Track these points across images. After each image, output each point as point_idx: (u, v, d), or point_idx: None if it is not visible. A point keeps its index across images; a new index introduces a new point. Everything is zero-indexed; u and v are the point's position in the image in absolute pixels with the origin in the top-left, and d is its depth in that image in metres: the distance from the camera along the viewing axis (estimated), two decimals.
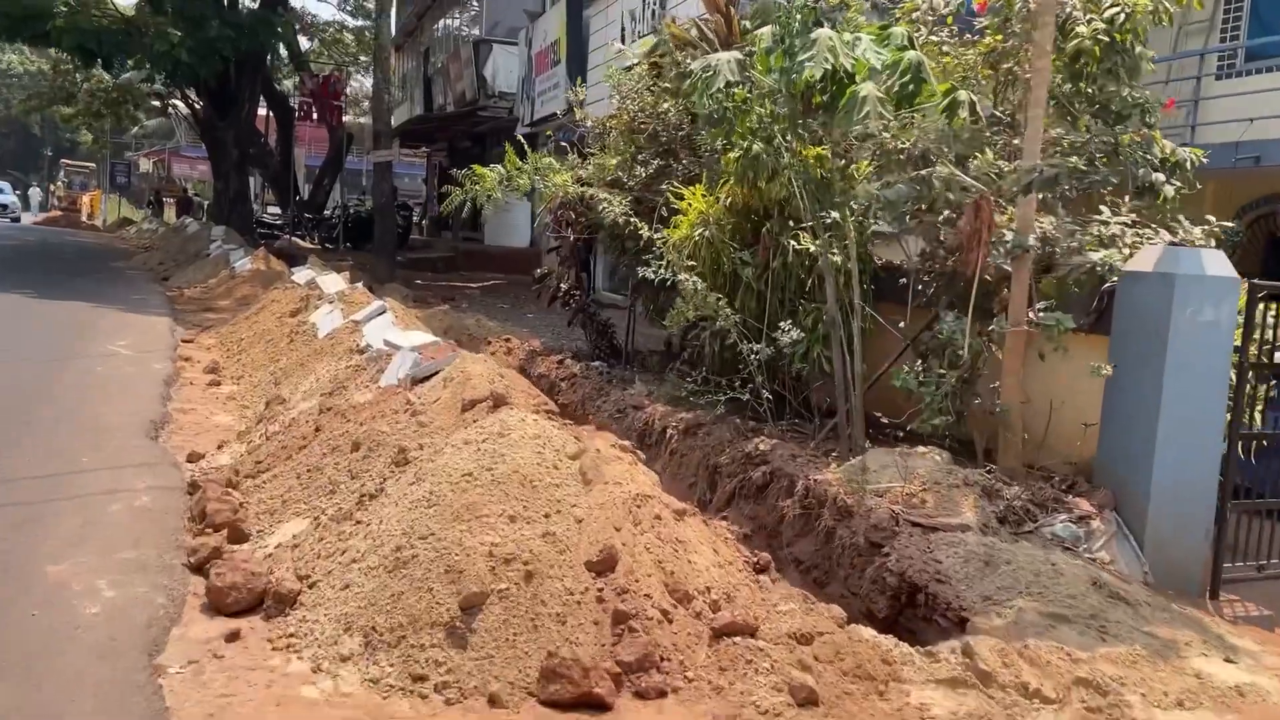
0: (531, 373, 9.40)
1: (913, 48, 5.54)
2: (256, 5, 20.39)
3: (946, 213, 5.06)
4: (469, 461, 3.70)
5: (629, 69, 9.77)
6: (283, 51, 22.13)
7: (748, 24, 7.75)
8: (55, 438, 5.50)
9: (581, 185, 9.31)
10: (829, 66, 5.31)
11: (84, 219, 42.41)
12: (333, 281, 9.75)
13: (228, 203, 21.67)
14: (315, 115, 23.86)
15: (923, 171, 4.99)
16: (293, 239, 25.00)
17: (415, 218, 29.17)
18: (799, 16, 5.54)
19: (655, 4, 10.83)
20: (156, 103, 34.09)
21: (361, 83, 41.24)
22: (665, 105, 8.29)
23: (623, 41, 11.95)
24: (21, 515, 4.20)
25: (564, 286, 9.86)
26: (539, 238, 24.61)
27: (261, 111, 27.82)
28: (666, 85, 8.34)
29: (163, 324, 10.71)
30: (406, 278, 19.94)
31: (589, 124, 9.97)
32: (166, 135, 59.37)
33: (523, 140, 16.90)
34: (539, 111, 15.39)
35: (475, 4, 26.94)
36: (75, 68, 27.53)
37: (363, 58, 37.29)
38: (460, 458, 3.75)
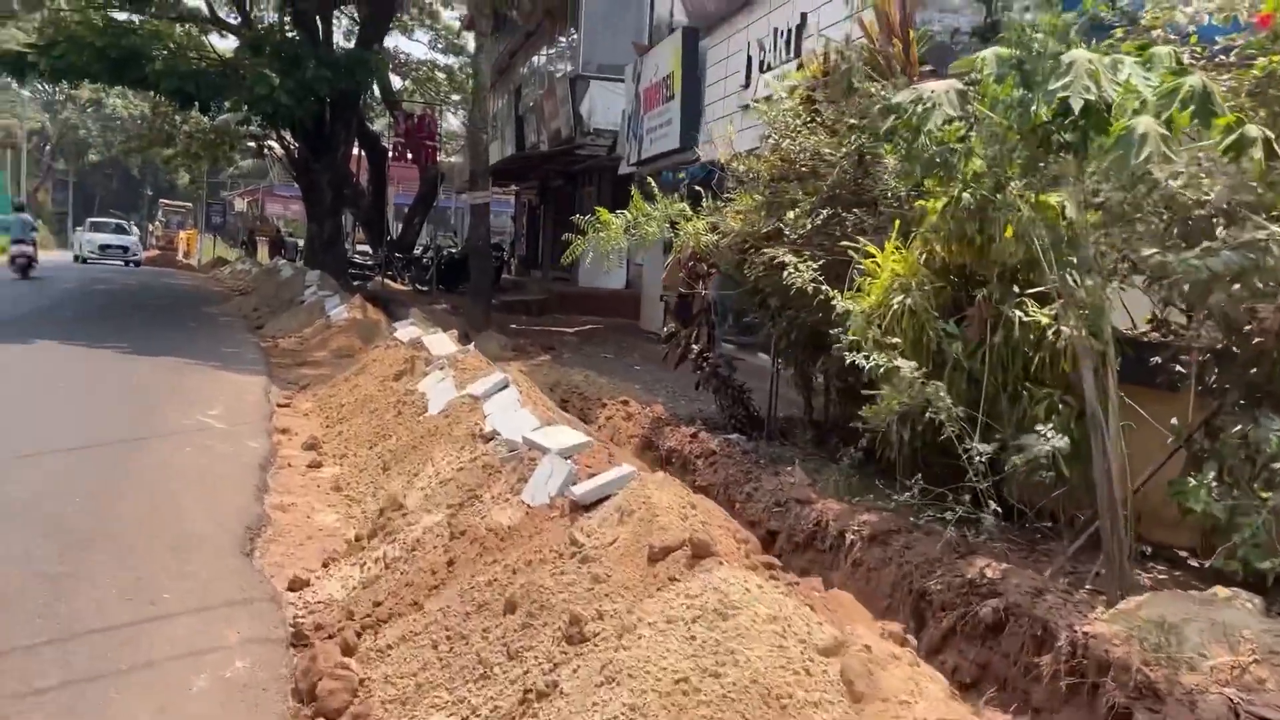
0: (659, 445, 8.33)
1: (1186, 72, 4.38)
2: (352, 45, 19.97)
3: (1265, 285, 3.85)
4: (681, 657, 2.62)
5: (767, 99, 8.77)
6: (375, 91, 21.71)
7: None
8: (131, 558, 4.58)
9: (718, 234, 8.29)
10: (1090, 97, 4.18)
11: (180, 257, 43.01)
12: (441, 342, 8.85)
13: (322, 245, 21.24)
14: (409, 155, 23.38)
15: (1258, 235, 3.80)
16: (384, 281, 24.53)
17: (504, 256, 28.62)
18: (1041, 36, 4.42)
19: (788, 33, 9.79)
20: (252, 144, 34.39)
21: (450, 121, 41.22)
22: (824, 144, 7.21)
23: (748, 77, 10.94)
24: (76, 700, 3.23)
25: (695, 346, 8.80)
26: (635, 280, 23.76)
27: (353, 151, 27.68)
28: (826, 121, 7.27)
29: (257, 385, 9.94)
30: (500, 321, 19.19)
31: (725, 164, 8.93)
32: (260, 175, 60.55)
33: (642, 183, 16.01)
34: (647, 150, 14.46)
35: (570, 40, 26.42)
36: (173, 110, 27.74)
37: (454, 96, 37.21)
38: (666, 648, 2.67)
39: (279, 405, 9.11)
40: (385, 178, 30.43)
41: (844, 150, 6.79)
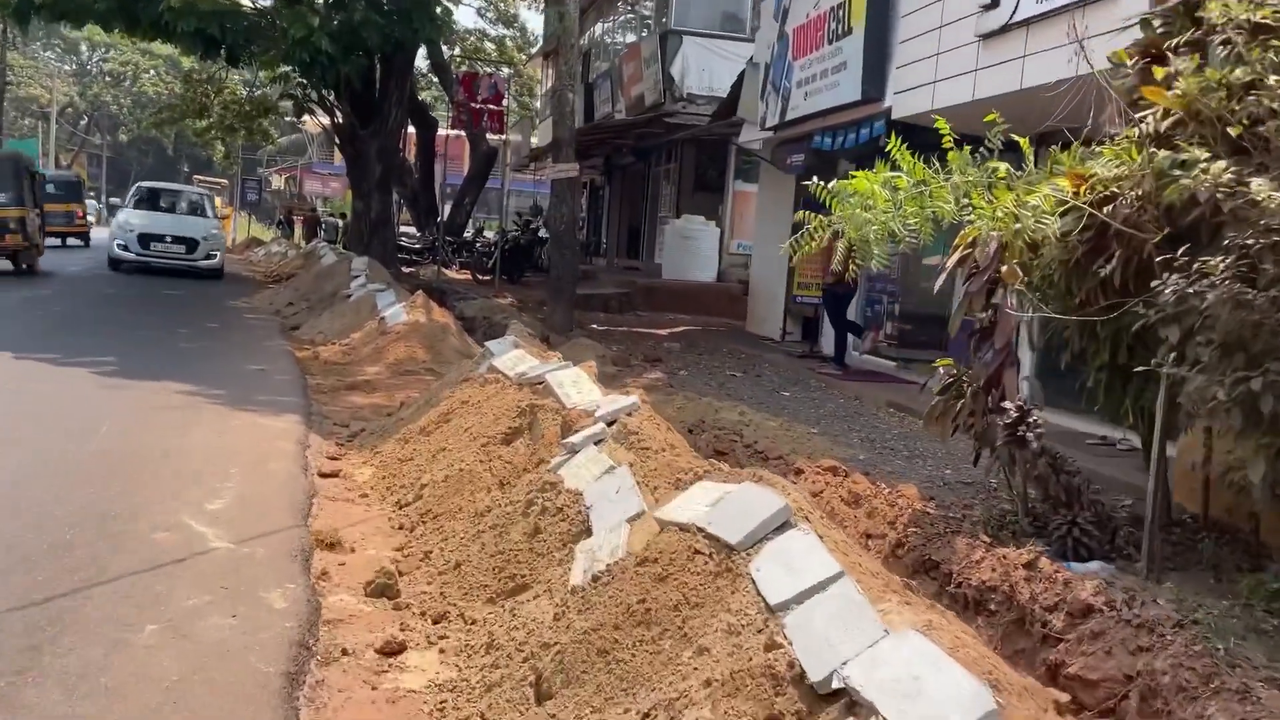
0: (943, 565, 5.01)
1: None
2: None
3: None
4: None
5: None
6: (433, 46, 18.38)
7: None
8: None
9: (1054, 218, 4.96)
10: None
11: None
12: (580, 385, 5.57)
13: (369, 226, 18.04)
14: (475, 124, 20.09)
15: None
16: (440, 268, 21.34)
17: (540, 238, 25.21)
18: None
19: None
20: (289, 117, 31.30)
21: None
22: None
23: None
24: None
25: (992, 402, 5.45)
26: (728, 272, 20.39)
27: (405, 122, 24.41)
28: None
29: (289, 438, 6.69)
30: (581, 320, 15.93)
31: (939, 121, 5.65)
32: (299, 151, 57.69)
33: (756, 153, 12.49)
34: (799, 108, 11.07)
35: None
36: (207, 79, 24.64)
37: (504, 70, 33.86)
38: None
39: (321, 474, 5.88)
40: (433, 152, 27.26)
41: None
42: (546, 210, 16.95)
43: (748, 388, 10.88)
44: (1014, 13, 7.29)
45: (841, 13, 9.91)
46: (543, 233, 24.74)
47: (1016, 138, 5.46)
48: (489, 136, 23.45)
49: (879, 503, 5.91)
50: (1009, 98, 7.56)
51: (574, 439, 4.76)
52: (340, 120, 17.68)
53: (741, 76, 14.03)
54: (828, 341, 13.44)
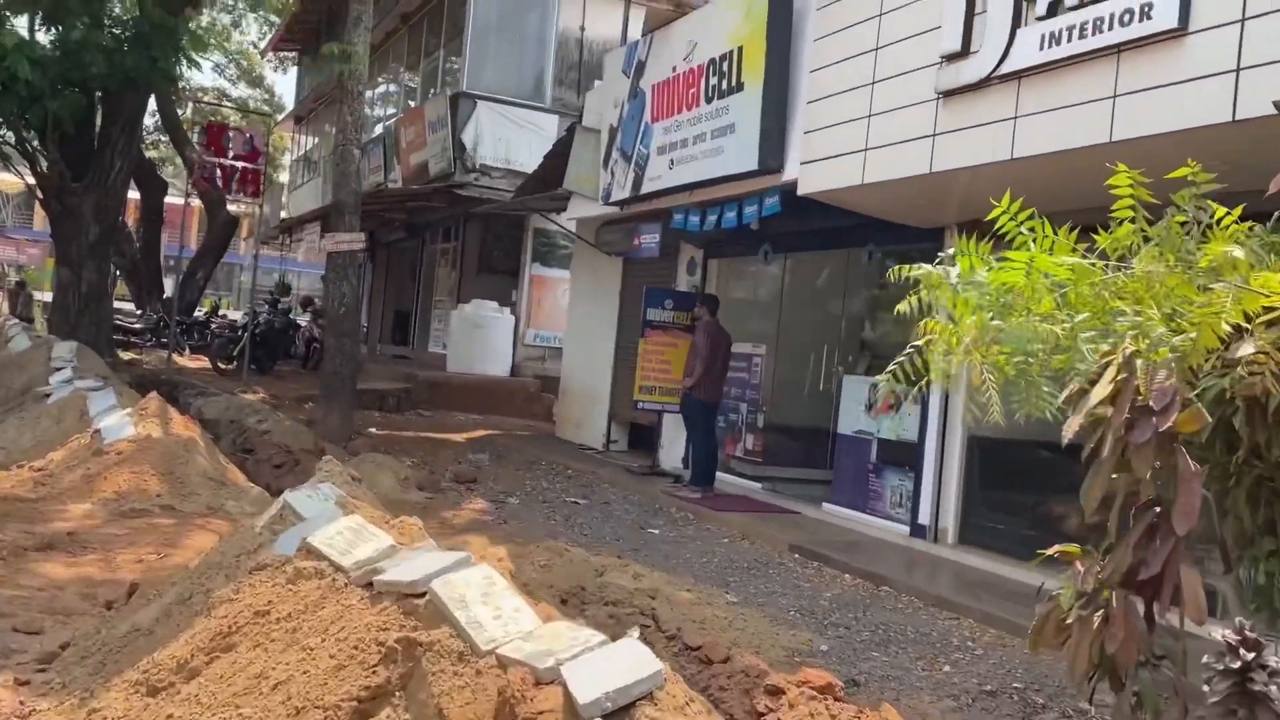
0: None
1: None
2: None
3: None
4: None
5: None
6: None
7: None
8: None
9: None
10: None
11: None
12: (499, 600, 3.13)
13: (79, 301, 14.31)
14: (224, 185, 16.82)
15: None
16: (171, 355, 17.63)
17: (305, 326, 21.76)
18: None
19: None
20: None
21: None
22: None
23: (966, 36, 5.97)
24: None
25: (1157, 611, 3.51)
26: (524, 365, 18.09)
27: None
28: None
29: None
30: (360, 428, 13.11)
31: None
32: None
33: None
34: (663, 179, 9.16)
35: (402, 78, 20.55)
36: None
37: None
38: None
39: None
40: (161, 218, 23.44)
41: None
42: (325, 288, 14.02)
43: (601, 521, 8.60)
44: (1000, 63, 5.72)
45: (728, 65, 8.15)
46: (296, 315, 21.43)
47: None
48: (242, 202, 20.10)
49: None
50: (994, 170, 5.95)
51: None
52: (46, 170, 14.01)
53: (567, 141, 12.05)
54: (668, 454, 11.43)
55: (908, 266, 3.81)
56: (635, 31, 10.93)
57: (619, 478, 10.77)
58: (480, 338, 17.33)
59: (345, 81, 11.59)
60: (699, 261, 10.92)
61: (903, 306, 3.81)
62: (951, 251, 3.76)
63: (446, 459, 11.72)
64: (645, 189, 9.45)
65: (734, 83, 8.05)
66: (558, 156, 12.96)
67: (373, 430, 13.55)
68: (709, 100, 8.38)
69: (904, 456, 8.29)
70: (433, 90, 19.20)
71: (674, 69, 8.91)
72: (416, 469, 10.68)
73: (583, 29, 17.86)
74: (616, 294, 12.79)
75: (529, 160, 16.86)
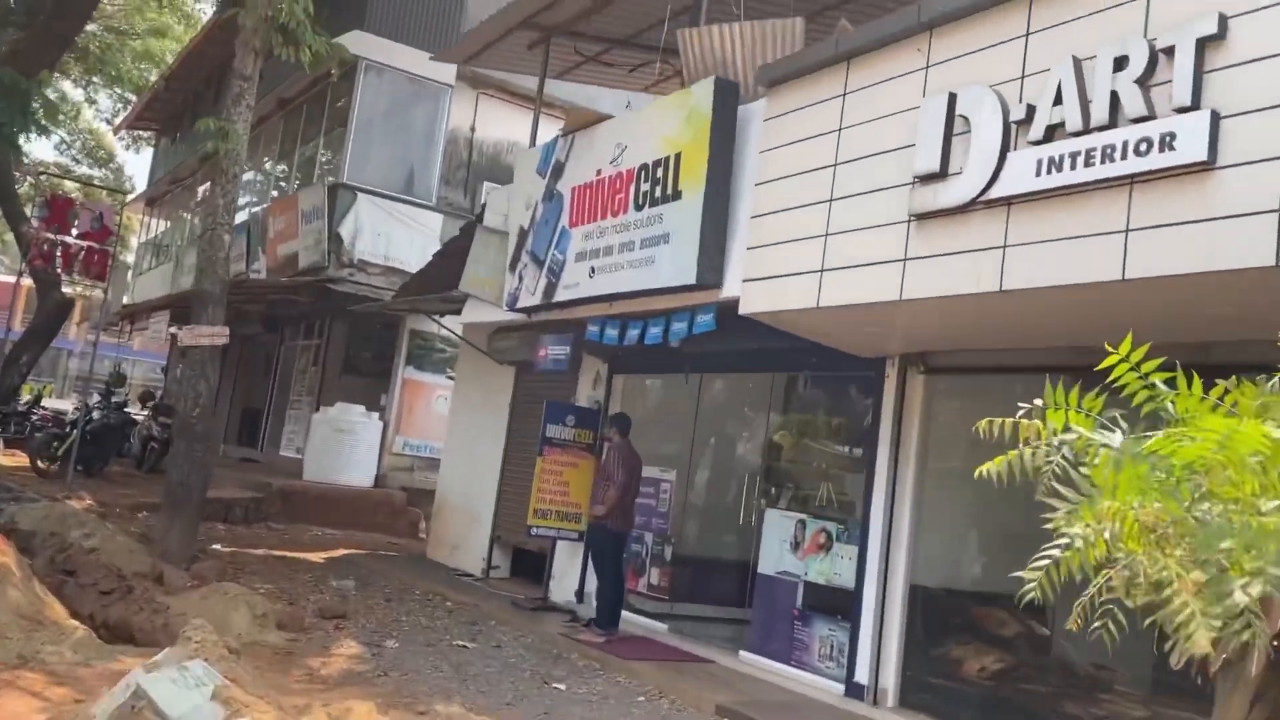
0: None
1: None
2: None
3: None
4: None
5: None
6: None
7: None
8: None
9: None
10: None
11: None
12: None
13: None
14: (65, 264, 15.11)
15: None
16: None
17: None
18: None
19: (1153, 60, 4.62)
20: None
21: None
22: None
23: (945, 153, 5.56)
24: None
25: None
26: (389, 476, 16.67)
27: None
28: None
29: None
30: (203, 544, 11.53)
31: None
32: None
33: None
34: (580, 288, 8.39)
35: (271, 169, 19.39)
36: None
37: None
38: None
39: None
40: None
41: None
42: (173, 384, 12.41)
43: (498, 673, 7.48)
44: (987, 187, 5.28)
45: (663, 172, 7.55)
46: (132, 409, 19.41)
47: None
48: (84, 284, 18.27)
49: None
50: (973, 301, 5.46)
51: None
52: None
53: (462, 241, 11.23)
54: (560, 586, 10.40)
55: (1003, 420, 3.15)
56: (547, 132, 10.32)
57: (508, 613, 9.65)
58: (344, 444, 15.93)
59: (221, 161, 10.49)
60: (603, 376, 10.15)
61: (992, 469, 3.13)
62: (1040, 403, 3.13)
63: (306, 586, 10.35)
64: (559, 297, 8.67)
65: (669, 190, 7.45)
66: (449, 256, 12.10)
67: (218, 547, 11.98)
68: (639, 207, 7.74)
69: (837, 604, 7.57)
70: (299, 179, 18.11)
71: (598, 172, 8.27)
72: (273, 599, 9.29)
73: (473, 129, 17.25)
74: (506, 405, 11.85)
75: (411, 258, 15.93)
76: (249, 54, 10.68)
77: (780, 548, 8.09)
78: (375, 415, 16.42)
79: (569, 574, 10.25)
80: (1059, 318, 5.64)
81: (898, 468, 7.22)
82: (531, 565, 11.45)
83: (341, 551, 13.06)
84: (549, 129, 16.04)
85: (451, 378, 16.66)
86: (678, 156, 7.41)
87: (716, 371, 8.96)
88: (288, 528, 14.51)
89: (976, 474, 3.08)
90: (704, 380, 9.28)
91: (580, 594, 9.99)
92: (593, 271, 8.18)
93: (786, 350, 7.64)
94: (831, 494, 8.12)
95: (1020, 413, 3.02)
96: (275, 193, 19.64)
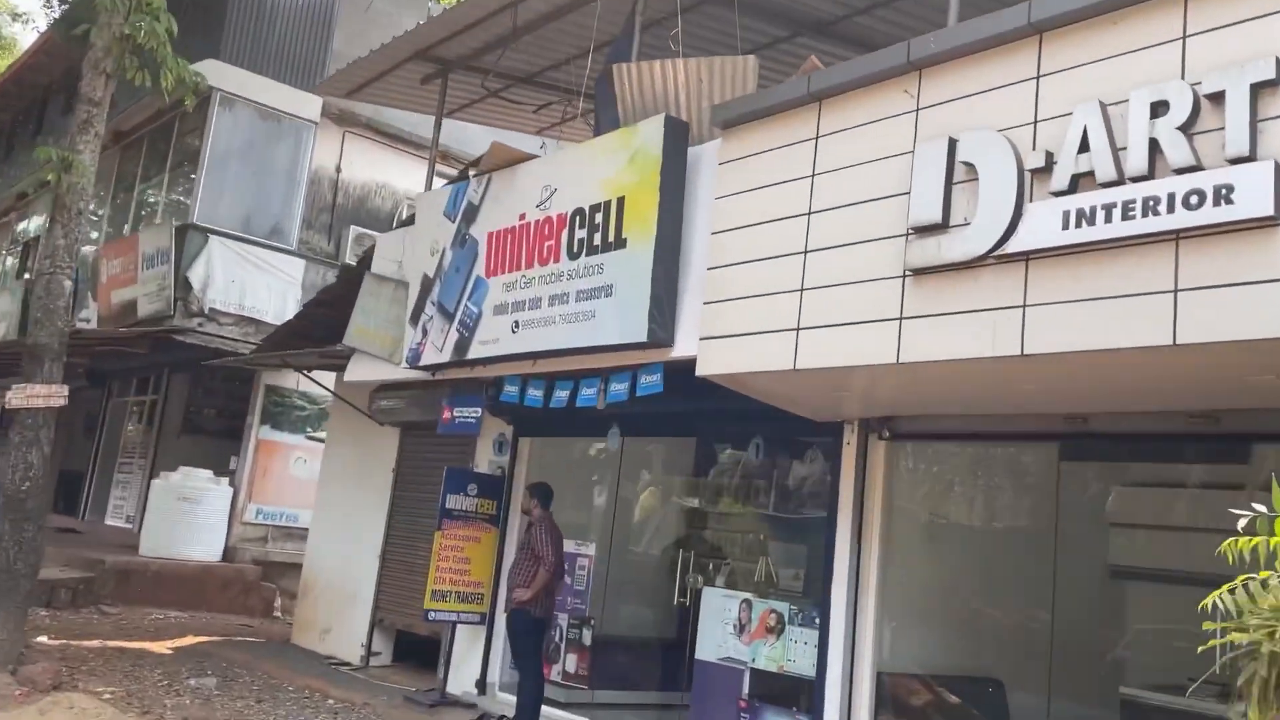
0: None
1: None
2: None
3: None
4: None
5: None
6: None
7: None
8: None
9: None
10: None
11: None
12: None
13: None
14: None
15: None
16: None
17: None
18: None
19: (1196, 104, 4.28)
20: None
21: None
22: None
23: (949, 208, 5.08)
24: None
25: None
26: (240, 548, 15.00)
27: None
28: None
29: None
30: (26, 637, 9.84)
31: None
32: None
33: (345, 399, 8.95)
34: (501, 344, 7.51)
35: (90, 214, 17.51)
36: None
37: None
38: None
39: None
40: None
41: None
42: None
43: None
44: (1002, 241, 4.81)
45: (602, 217, 6.80)
46: None
47: None
48: None
49: None
50: (1001, 366, 4.95)
51: None
52: None
53: (340, 290, 10.16)
54: (459, 675, 9.31)
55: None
56: (417, 176, 9.43)
57: (402, 712, 8.51)
58: (187, 513, 14.24)
59: (64, 196, 9.10)
60: (508, 439, 9.24)
61: (1237, 547, 2.53)
62: None
63: (158, 688, 8.90)
64: (475, 354, 7.73)
65: (612, 238, 6.71)
66: (324, 306, 10.97)
67: (44, 639, 10.30)
68: (574, 256, 6.97)
69: (792, 694, 6.88)
70: (142, 219, 16.42)
71: (522, 216, 7.46)
72: (122, 708, 7.88)
73: (339, 169, 16.08)
74: (389, 471, 10.72)
75: (268, 307, 14.58)
76: (99, 76, 9.37)
77: (721, 631, 7.36)
78: (224, 480, 14.79)
79: (468, 661, 9.19)
80: (1071, 382, 5.20)
81: (861, 543, 6.64)
82: (418, 650, 10.30)
83: (191, 639, 11.49)
84: (418, 172, 15.13)
85: (312, 438, 15.26)
86: (620, 201, 6.71)
87: (654, 436, 8.23)
88: (124, 611, 12.77)
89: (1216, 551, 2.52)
90: (627, 443, 8.51)
91: (482, 684, 8.96)
92: (516, 326, 7.32)
93: (737, 412, 6.99)
94: (779, 572, 7.47)
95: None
96: (108, 232, 17.76)
